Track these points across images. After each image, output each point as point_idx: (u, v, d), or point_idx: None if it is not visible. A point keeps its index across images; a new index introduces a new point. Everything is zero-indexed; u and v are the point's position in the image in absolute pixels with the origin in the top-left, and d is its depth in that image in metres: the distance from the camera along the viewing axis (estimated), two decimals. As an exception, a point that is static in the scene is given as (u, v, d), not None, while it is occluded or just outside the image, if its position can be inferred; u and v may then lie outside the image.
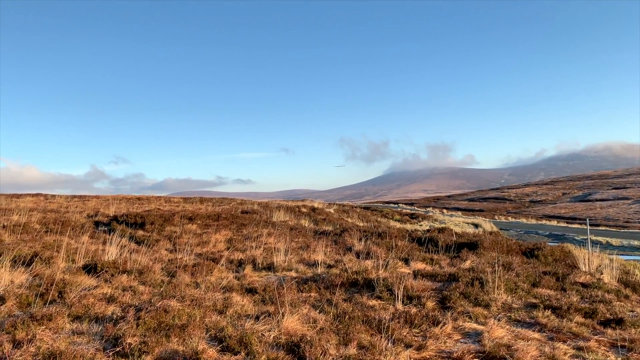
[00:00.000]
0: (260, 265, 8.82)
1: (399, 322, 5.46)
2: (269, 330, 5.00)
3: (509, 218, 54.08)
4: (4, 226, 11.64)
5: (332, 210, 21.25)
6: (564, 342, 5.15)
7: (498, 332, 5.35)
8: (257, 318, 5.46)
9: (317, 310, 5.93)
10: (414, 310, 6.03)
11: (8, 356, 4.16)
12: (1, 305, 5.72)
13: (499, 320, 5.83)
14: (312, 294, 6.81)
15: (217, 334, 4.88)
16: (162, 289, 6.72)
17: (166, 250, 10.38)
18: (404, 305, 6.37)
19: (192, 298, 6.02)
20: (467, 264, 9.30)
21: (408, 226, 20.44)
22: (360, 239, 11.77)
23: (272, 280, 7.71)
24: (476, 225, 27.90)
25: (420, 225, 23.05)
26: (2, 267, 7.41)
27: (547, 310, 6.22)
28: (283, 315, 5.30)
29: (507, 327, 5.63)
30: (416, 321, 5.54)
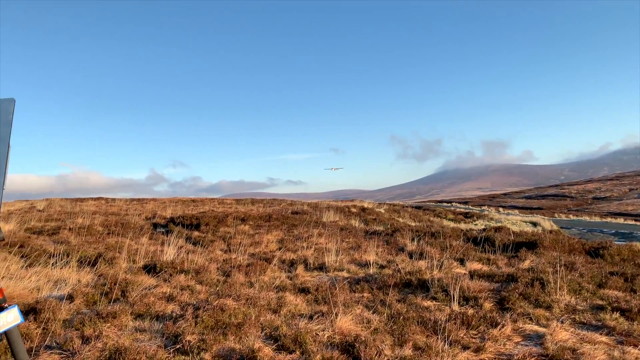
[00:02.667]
0: (311, 266, 8.86)
1: (455, 324, 5.31)
2: (323, 330, 5.01)
3: (570, 216, 51.49)
4: (70, 229, 12.38)
5: (382, 210, 21.05)
6: (635, 346, 4.82)
7: (561, 334, 5.08)
8: (311, 318, 5.48)
9: (371, 311, 5.88)
10: (470, 311, 5.85)
11: (78, 351, 4.40)
12: (70, 303, 6.05)
13: (562, 322, 5.54)
14: (365, 295, 6.76)
15: (272, 333, 4.94)
16: (218, 288, 6.89)
17: (221, 250, 10.65)
18: (460, 307, 6.19)
19: (247, 297, 6.14)
20: (526, 264, 8.92)
21: (462, 225, 19.90)
22: (413, 239, 11.57)
23: (324, 280, 7.72)
24: (534, 224, 26.74)
25: (475, 224, 22.38)
26: (69, 267, 7.88)
27: (615, 312, 5.84)
28: (336, 315, 5.29)
29: (572, 329, 5.34)
30: (473, 322, 5.37)
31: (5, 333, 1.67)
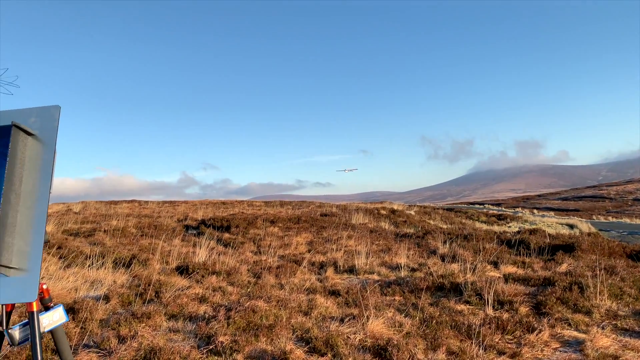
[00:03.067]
0: (341, 268, 8.81)
1: (489, 328, 5.17)
2: (355, 333, 4.96)
3: (609, 218, 49.64)
4: (105, 231, 12.72)
5: (412, 212, 20.80)
6: (685, 355, 4.58)
7: (602, 341, 4.87)
8: (342, 320, 5.43)
9: (403, 314, 5.79)
10: (505, 315, 5.69)
11: (115, 350, 4.49)
12: (106, 303, 6.20)
13: (602, 328, 5.32)
14: (396, 298, 6.67)
15: (303, 335, 4.92)
16: (249, 290, 6.93)
17: (251, 252, 10.73)
18: (495, 311, 6.03)
19: (277, 299, 6.14)
20: (563, 267, 8.63)
21: (495, 228, 19.45)
22: (445, 242, 11.37)
23: (355, 282, 7.66)
24: (571, 226, 25.89)
25: (509, 226, 21.84)
26: (105, 268, 8.08)
27: (661, 319, 5.58)
28: (368, 318, 5.23)
29: (613, 336, 5.11)
30: (509, 327, 5.22)
31: (52, 332, 1.70)
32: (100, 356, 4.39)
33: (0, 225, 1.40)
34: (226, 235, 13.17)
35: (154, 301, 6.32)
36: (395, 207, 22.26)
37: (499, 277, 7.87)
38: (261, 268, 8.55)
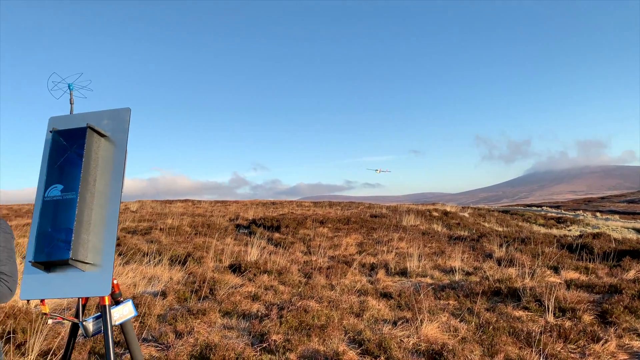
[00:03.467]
0: (392, 270, 8.70)
1: (550, 336, 4.93)
2: (408, 337, 4.87)
3: (681, 223, 46.14)
4: (160, 229, 13.22)
5: (466, 214, 20.24)
6: None
7: (678, 354, 4.53)
8: (395, 323, 5.36)
9: (458, 319, 5.63)
10: (568, 323, 5.40)
11: (172, 345, 4.64)
12: (163, 299, 6.43)
13: (677, 341, 4.94)
14: (451, 302, 6.50)
15: (356, 337, 4.89)
16: (300, 290, 6.98)
17: (301, 252, 10.81)
18: (556, 318, 5.74)
19: (329, 299, 6.14)
20: (630, 274, 8.10)
21: (554, 231, 18.56)
22: (501, 245, 10.98)
23: (407, 285, 7.54)
24: (639, 231, 24.30)
25: (569, 230, 20.78)
26: (162, 265, 8.39)
27: None
28: (421, 322, 5.12)
29: (689, 349, 4.74)
30: (571, 336, 4.95)
31: (121, 325, 1.77)
32: (158, 350, 4.56)
33: (77, 223, 1.48)
34: (276, 235, 13.35)
35: (208, 298, 6.49)
36: (447, 209, 21.75)
37: (559, 283, 7.50)
38: (311, 268, 8.58)
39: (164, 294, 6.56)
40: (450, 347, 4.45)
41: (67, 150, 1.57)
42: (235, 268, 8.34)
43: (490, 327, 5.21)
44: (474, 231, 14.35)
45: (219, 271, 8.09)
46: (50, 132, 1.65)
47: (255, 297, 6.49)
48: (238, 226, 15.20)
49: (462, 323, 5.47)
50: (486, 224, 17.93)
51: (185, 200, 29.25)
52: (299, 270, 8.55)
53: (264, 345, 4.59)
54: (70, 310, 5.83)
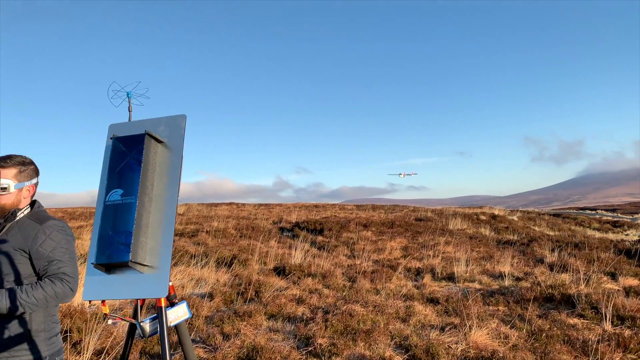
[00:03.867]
0: (439, 275, 8.52)
1: (608, 345, 4.67)
2: (456, 343, 4.75)
3: None
4: (207, 231, 13.53)
5: (515, 218, 19.56)
6: None
7: None
8: (442, 329, 5.24)
9: (508, 326, 5.44)
10: (627, 332, 5.10)
11: (219, 347, 4.72)
12: (210, 301, 6.56)
13: None
14: (500, 308, 6.29)
15: (402, 342, 4.81)
16: (344, 293, 6.95)
17: (344, 255, 10.78)
18: (614, 327, 5.44)
19: (374, 304, 6.09)
20: (698, 282, 7.58)
21: (610, 236, 17.63)
22: (553, 250, 10.53)
23: (454, 291, 7.36)
24: None
25: (627, 234, 19.67)
26: (209, 267, 8.58)
27: None
28: (470, 328, 4.98)
29: None
30: (631, 345, 4.68)
31: (176, 326, 1.81)
32: (206, 351, 4.65)
33: (136, 226, 1.53)
34: (319, 238, 13.37)
35: (254, 300, 6.57)
36: (495, 212, 21.10)
37: (617, 290, 7.12)
38: (356, 272, 8.54)
39: (211, 296, 6.69)
40: (501, 355, 4.31)
41: (126, 156, 1.63)
42: (280, 271, 8.41)
43: (543, 335, 5.01)
44: (524, 235, 13.84)
45: (263, 274, 8.19)
46: (111, 138, 1.73)
47: (300, 300, 6.52)
48: (281, 229, 15.34)
49: (512, 330, 5.29)
50: (536, 228, 17.26)
51: (230, 203, 29.84)
52: (343, 273, 8.52)
53: (310, 348, 4.59)
54: (122, 310, 6.06)
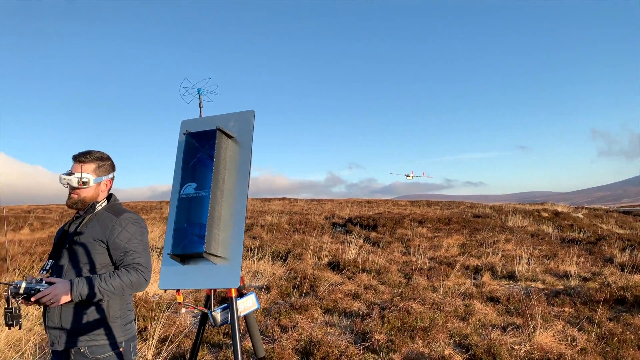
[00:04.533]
0: (499, 273, 8.24)
1: (690, 353, 4.34)
2: (519, 344, 4.57)
3: None
4: (261, 226, 13.82)
5: (580, 215, 18.54)
6: None
7: None
8: (504, 329, 5.07)
9: (575, 328, 5.17)
10: None
11: (278, 338, 4.82)
12: (267, 293, 6.70)
13: None
14: (566, 309, 5.99)
15: (462, 341, 4.70)
16: (400, 290, 6.88)
17: (399, 252, 10.65)
18: (696, 334, 5.04)
19: (431, 302, 5.99)
20: None
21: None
22: (623, 249, 9.89)
23: (515, 290, 7.09)
24: None
25: None
26: (264, 261, 8.77)
27: None
28: (534, 329, 4.79)
29: None
30: None
31: (245, 317, 1.87)
32: (265, 343, 4.75)
33: (209, 218, 1.59)
34: (373, 234, 13.29)
35: (309, 294, 6.65)
36: (559, 209, 20.10)
37: (699, 294, 6.58)
38: (411, 269, 8.43)
39: (267, 289, 6.83)
40: (569, 358, 4.11)
41: (198, 151, 1.70)
42: (334, 266, 8.45)
43: (615, 339, 4.72)
44: (590, 233, 13.10)
45: (318, 268, 8.26)
46: (184, 134, 1.80)
47: (355, 296, 6.52)
48: (334, 224, 15.39)
49: (580, 332, 5.03)
50: (604, 226, 16.27)
51: (283, 199, 30.30)
52: (398, 270, 8.44)
53: (367, 344, 4.59)
54: (185, 300, 6.31)
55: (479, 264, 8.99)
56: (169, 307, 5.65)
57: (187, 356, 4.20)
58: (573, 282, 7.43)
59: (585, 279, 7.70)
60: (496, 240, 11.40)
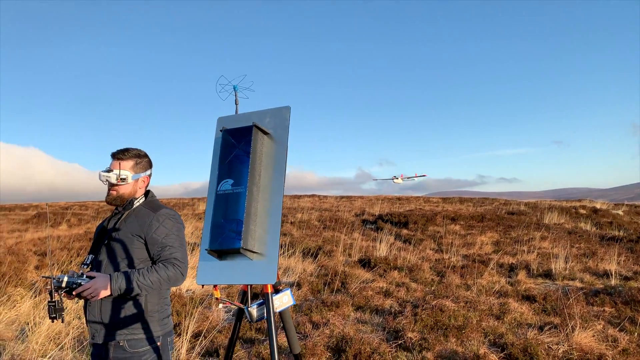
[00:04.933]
0: (534, 272, 8.03)
1: None
2: (557, 344, 4.45)
3: None
4: (291, 222, 13.88)
5: (620, 212, 17.86)
6: None
7: None
8: (541, 328, 4.94)
9: (617, 328, 4.99)
10: None
11: (309, 335, 4.83)
12: (298, 289, 6.74)
13: None
14: (606, 309, 5.79)
15: (497, 340, 4.61)
16: (433, 288, 6.79)
17: (431, 249, 10.52)
18: None
19: (465, 300, 5.88)
20: None
21: None
22: (668, 247, 9.50)
23: (552, 289, 6.89)
24: None
25: None
26: (295, 257, 8.81)
27: None
28: (573, 328, 4.64)
29: None
30: None
31: (280, 313, 1.88)
32: (297, 339, 4.77)
33: (246, 215, 1.61)
34: (404, 231, 13.17)
35: (340, 291, 6.64)
36: (597, 206, 19.43)
37: None
38: (444, 266, 8.31)
39: (298, 285, 6.87)
40: (610, 359, 3.97)
41: (235, 148, 1.71)
42: (365, 263, 8.41)
43: (660, 341, 4.53)
44: (632, 231, 12.60)
45: (349, 265, 8.24)
46: (221, 131, 1.82)
47: (387, 293, 6.48)
48: (364, 221, 15.33)
49: (622, 333, 4.85)
50: (646, 223, 15.65)
51: (312, 195, 30.36)
52: (430, 268, 8.34)
53: (400, 342, 4.55)
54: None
55: (513, 262, 8.79)
56: (202, 302, 5.75)
57: (223, 351, 4.26)
58: (613, 281, 7.17)
59: (626, 278, 7.42)
60: (531, 238, 11.12)
